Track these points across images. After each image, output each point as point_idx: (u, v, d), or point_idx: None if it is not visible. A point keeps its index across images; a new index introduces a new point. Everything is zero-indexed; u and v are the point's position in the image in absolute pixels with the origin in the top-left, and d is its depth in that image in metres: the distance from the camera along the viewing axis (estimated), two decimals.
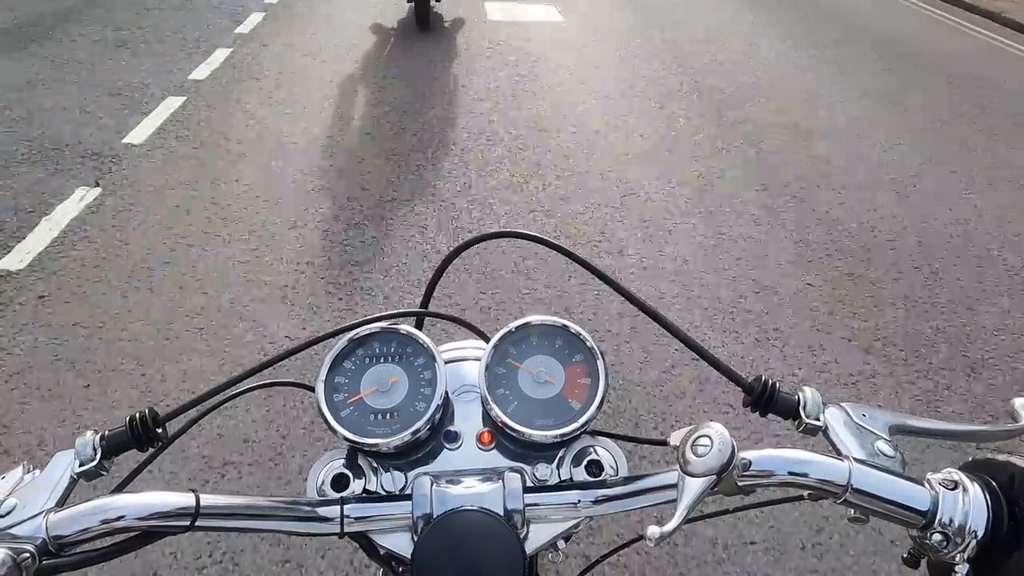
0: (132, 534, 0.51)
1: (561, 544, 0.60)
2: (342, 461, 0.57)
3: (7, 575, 0.44)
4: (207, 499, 0.51)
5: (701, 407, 2.42)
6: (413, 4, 6.16)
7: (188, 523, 0.50)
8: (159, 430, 0.58)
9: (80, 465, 0.54)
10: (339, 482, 0.57)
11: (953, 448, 2.22)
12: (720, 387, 2.51)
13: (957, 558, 0.49)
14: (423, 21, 6.23)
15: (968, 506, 0.48)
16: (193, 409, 0.61)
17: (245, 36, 5.90)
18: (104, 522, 0.49)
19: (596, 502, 0.55)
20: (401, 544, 0.54)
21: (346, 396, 0.59)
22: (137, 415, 0.57)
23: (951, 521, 0.48)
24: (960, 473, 0.51)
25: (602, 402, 0.58)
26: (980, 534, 0.48)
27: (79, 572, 0.50)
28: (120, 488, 0.57)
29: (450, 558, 0.49)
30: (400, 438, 0.56)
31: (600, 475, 0.58)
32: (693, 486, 0.47)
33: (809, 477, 0.51)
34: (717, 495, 0.50)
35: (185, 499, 0.50)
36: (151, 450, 0.59)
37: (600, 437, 0.60)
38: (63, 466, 0.54)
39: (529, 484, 0.56)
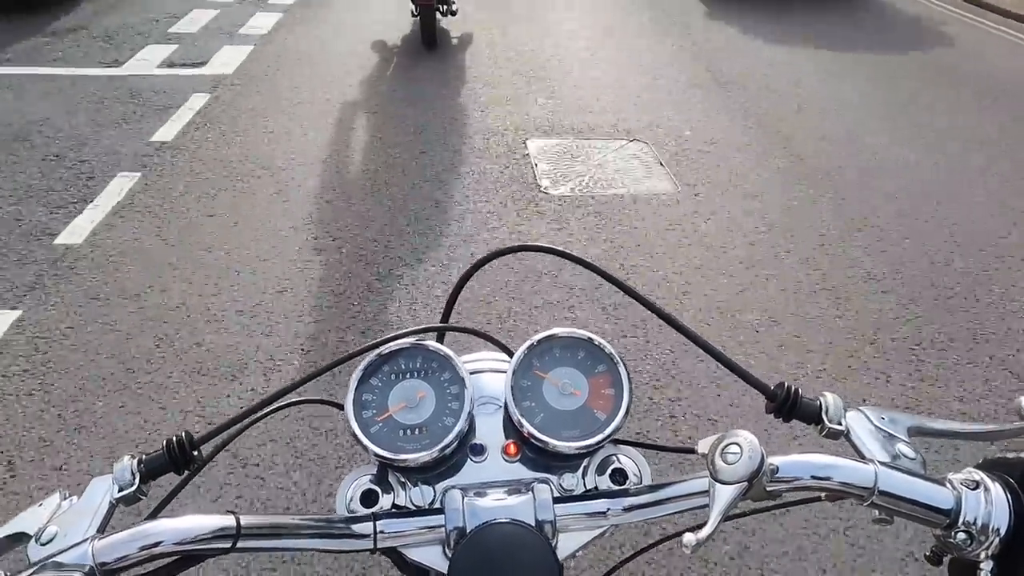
0: (175, 558, 0.51)
1: (580, 551, 0.59)
2: (370, 477, 0.58)
3: None
4: (247, 520, 0.51)
5: None
6: (419, 19, 5.45)
7: (230, 544, 0.51)
8: (195, 452, 0.58)
9: (119, 490, 0.55)
10: (368, 498, 0.57)
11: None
12: None
13: (981, 556, 0.49)
14: (429, 39, 5.54)
15: (991, 505, 0.49)
16: (227, 431, 0.61)
17: (73, 257, 2.97)
18: (147, 547, 0.49)
19: (625, 510, 0.56)
20: (433, 557, 0.55)
21: (375, 413, 0.59)
22: (174, 438, 0.58)
23: (975, 520, 0.49)
24: (981, 473, 0.52)
25: (627, 412, 0.59)
26: (1003, 532, 0.49)
27: None
28: (158, 511, 0.57)
29: (486, 570, 0.50)
30: (430, 453, 0.56)
31: (624, 483, 0.58)
32: (725, 493, 0.48)
33: (835, 481, 0.51)
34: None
35: (225, 521, 0.51)
36: (187, 472, 0.59)
37: (623, 446, 0.61)
38: (101, 492, 0.54)
39: (556, 494, 0.57)
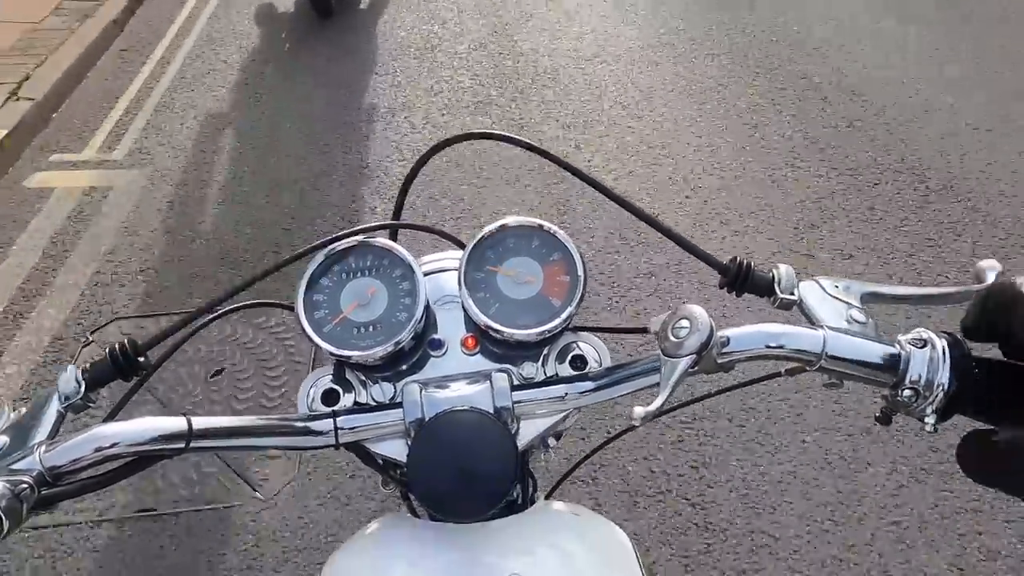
0: (126, 460, 0.52)
1: (552, 442, 0.61)
2: (330, 377, 0.58)
3: (7, 506, 0.45)
4: (199, 421, 0.52)
5: None
6: None
7: (182, 445, 0.51)
8: (141, 359, 0.59)
9: (66, 399, 0.56)
10: (329, 397, 0.58)
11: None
12: None
13: (927, 411, 0.51)
14: (323, 3, 4.16)
15: (935, 361, 0.51)
16: (175, 334, 0.61)
17: None
18: (99, 450, 0.50)
19: (582, 393, 0.57)
20: (396, 450, 0.56)
21: (327, 313, 0.59)
22: (117, 345, 0.58)
23: (919, 377, 0.51)
24: (928, 332, 0.52)
25: (582, 298, 0.59)
26: (947, 386, 0.50)
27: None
28: (110, 417, 0.56)
29: (444, 457, 0.52)
30: (384, 349, 0.56)
31: (584, 369, 0.59)
32: (675, 367, 0.49)
33: (785, 348, 0.53)
34: (697, 376, 0.52)
35: (177, 423, 0.51)
36: (136, 379, 0.60)
37: (582, 332, 0.61)
38: (49, 401, 0.56)
39: (516, 383, 0.57)
